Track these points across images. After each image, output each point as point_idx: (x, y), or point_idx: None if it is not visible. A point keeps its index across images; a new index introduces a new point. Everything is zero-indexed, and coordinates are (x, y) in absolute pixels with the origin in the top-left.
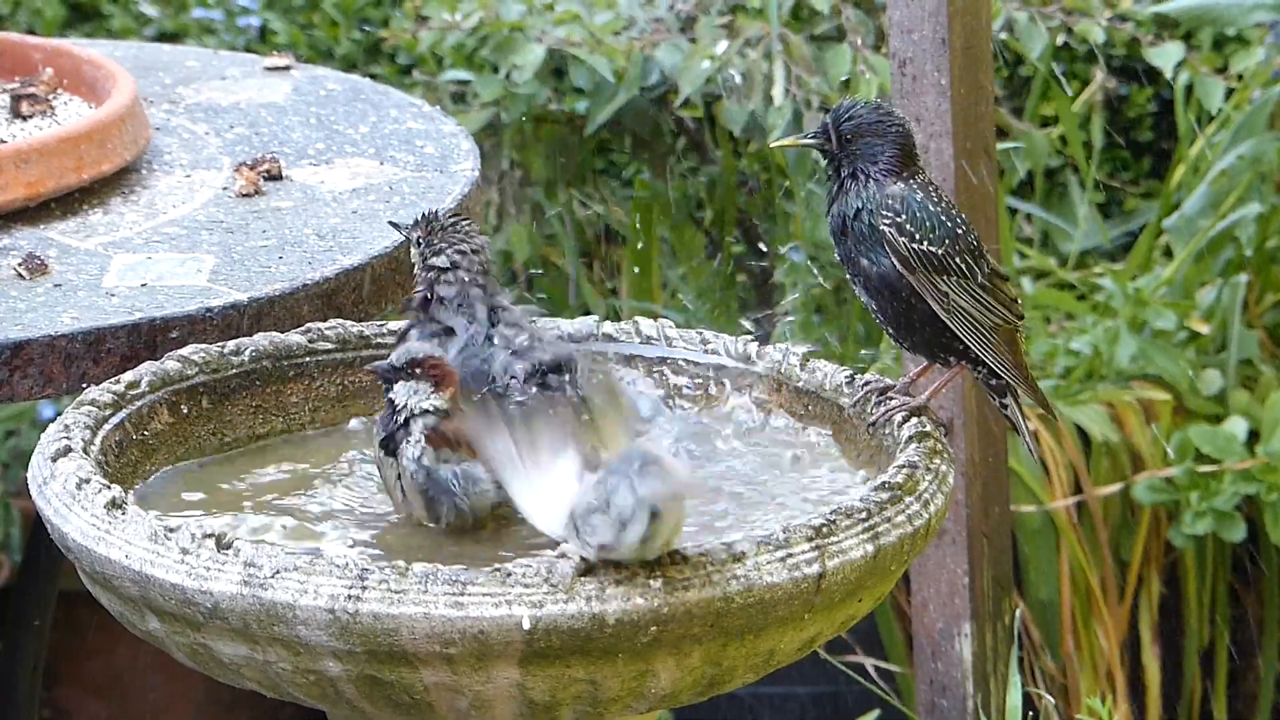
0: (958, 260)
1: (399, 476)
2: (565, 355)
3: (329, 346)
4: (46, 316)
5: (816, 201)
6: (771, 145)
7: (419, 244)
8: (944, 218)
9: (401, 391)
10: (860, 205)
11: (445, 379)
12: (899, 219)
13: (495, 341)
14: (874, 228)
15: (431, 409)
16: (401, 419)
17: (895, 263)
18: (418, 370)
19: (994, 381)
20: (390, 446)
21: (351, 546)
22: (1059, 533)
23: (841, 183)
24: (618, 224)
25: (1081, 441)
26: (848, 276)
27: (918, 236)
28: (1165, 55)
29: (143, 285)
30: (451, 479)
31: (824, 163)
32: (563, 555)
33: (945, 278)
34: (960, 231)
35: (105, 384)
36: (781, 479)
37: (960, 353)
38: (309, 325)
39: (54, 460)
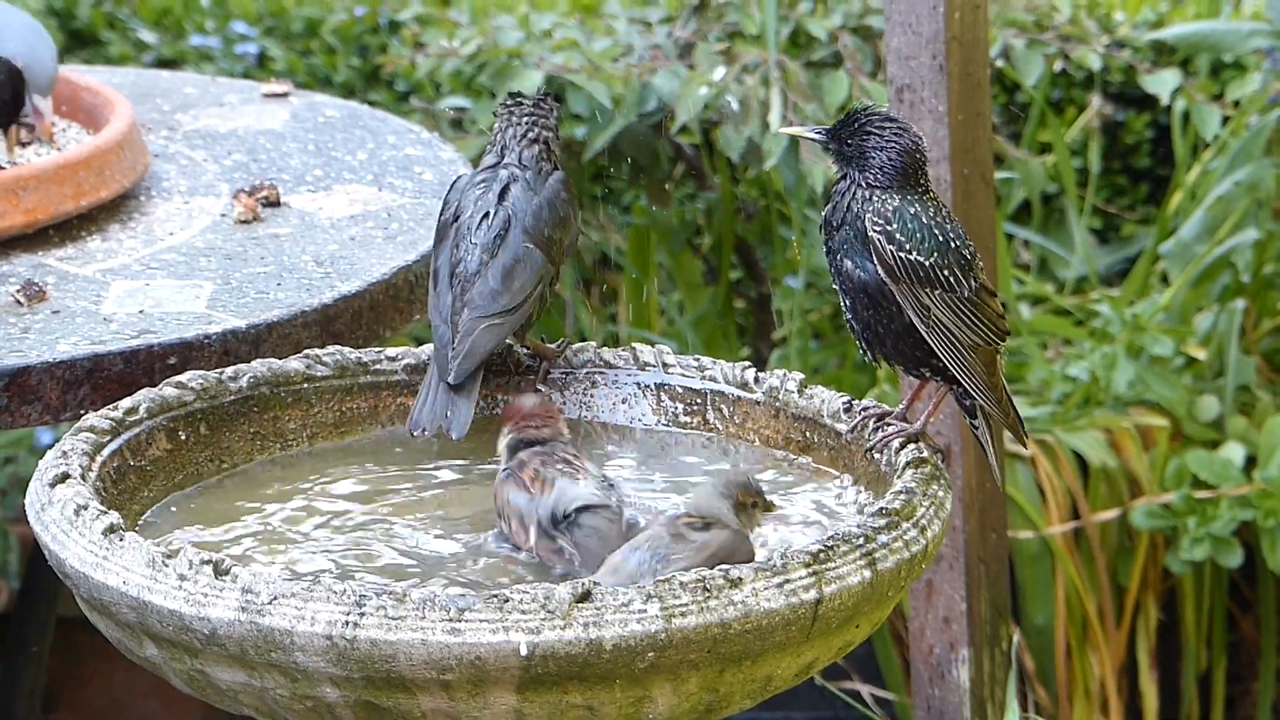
0: (945, 273)
1: None
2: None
3: (327, 373)
4: (45, 343)
5: (814, 228)
6: (779, 131)
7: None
8: (935, 229)
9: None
10: (854, 208)
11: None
12: (889, 227)
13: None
14: (863, 232)
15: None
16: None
17: (880, 270)
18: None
19: (967, 402)
20: None
21: (352, 572)
22: (1056, 558)
23: (845, 181)
24: (615, 250)
25: (1079, 467)
26: (830, 274)
27: (907, 246)
28: (1161, 82)
29: (141, 312)
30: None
31: (828, 156)
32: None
33: (929, 290)
34: (954, 244)
35: (103, 410)
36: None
37: (934, 368)
38: (307, 352)
39: (52, 486)
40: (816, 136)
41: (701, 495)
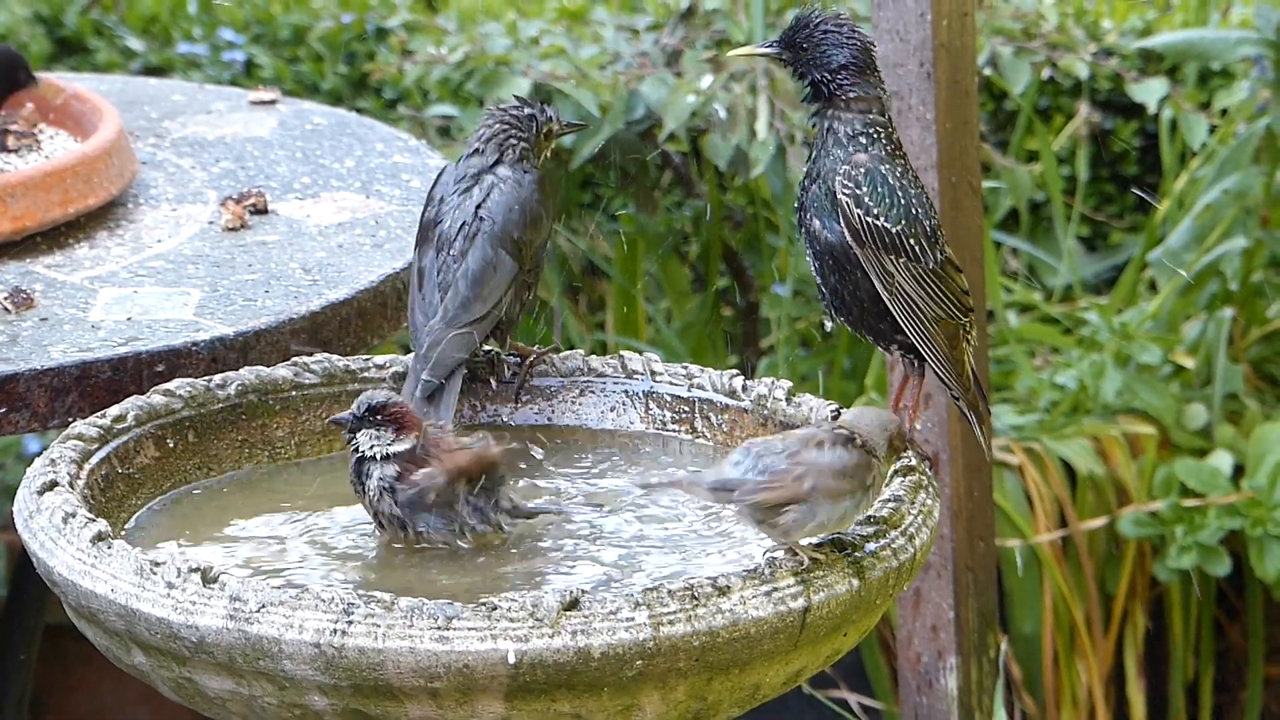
0: (911, 242)
1: (371, 509)
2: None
3: (314, 380)
4: (33, 350)
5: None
6: (729, 55)
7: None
8: (901, 196)
9: (364, 439)
10: (826, 167)
11: (406, 423)
12: (859, 190)
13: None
14: (832, 192)
15: (392, 454)
16: (364, 465)
17: (846, 233)
18: (378, 417)
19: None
20: (356, 485)
21: (338, 580)
22: (1044, 567)
23: (828, 132)
24: (603, 258)
25: (1067, 476)
26: (799, 232)
27: (875, 211)
28: (1149, 91)
29: (129, 319)
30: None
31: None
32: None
33: (894, 257)
34: (918, 213)
35: (91, 418)
36: None
37: (901, 344)
38: (295, 359)
39: (40, 494)
40: (770, 50)
41: (866, 419)
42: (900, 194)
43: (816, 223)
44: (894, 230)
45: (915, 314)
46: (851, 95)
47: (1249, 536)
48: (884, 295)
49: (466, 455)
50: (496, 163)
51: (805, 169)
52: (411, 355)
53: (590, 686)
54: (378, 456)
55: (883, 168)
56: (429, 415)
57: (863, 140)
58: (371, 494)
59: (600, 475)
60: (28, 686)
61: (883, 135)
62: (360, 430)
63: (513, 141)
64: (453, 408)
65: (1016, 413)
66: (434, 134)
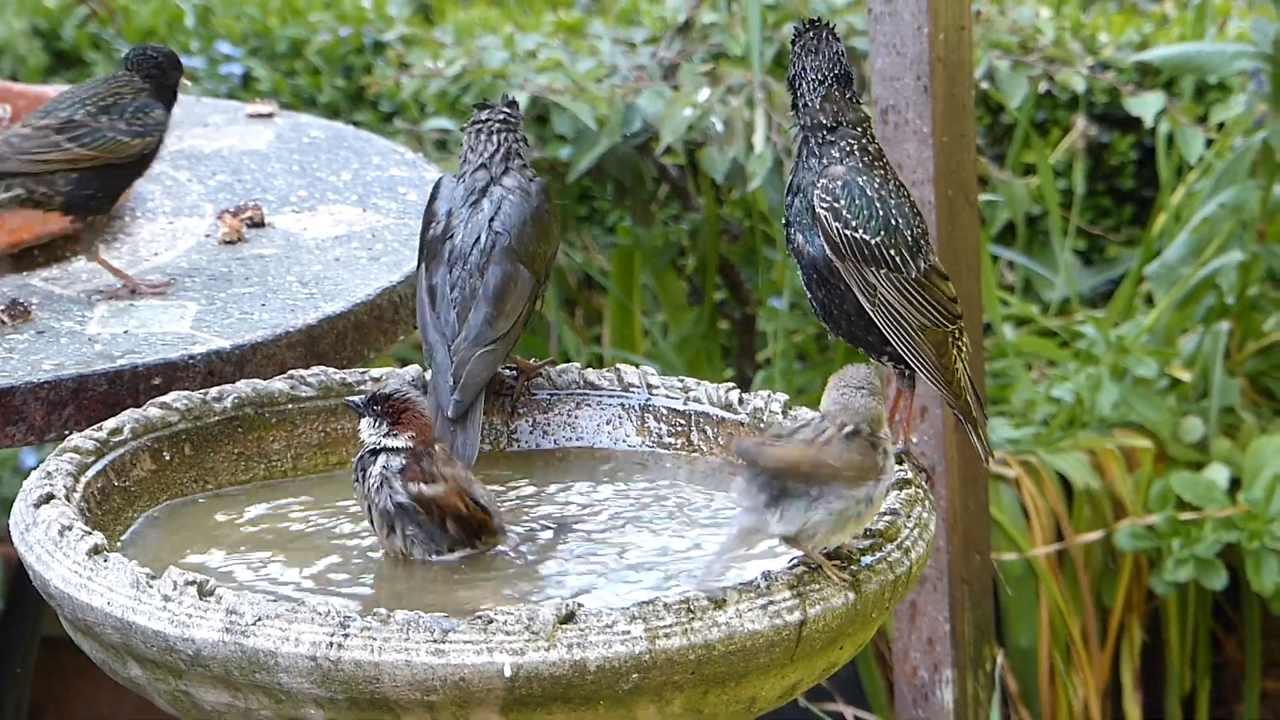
0: (891, 252)
1: (366, 503)
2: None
3: (311, 393)
4: (29, 363)
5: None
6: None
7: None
8: (880, 206)
9: (364, 425)
10: (805, 181)
11: (403, 420)
12: (836, 204)
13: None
14: (811, 207)
15: (382, 447)
16: (364, 451)
17: (826, 247)
18: (378, 408)
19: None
20: (357, 474)
21: (334, 593)
22: (1040, 580)
23: (804, 144)
24: (599, 271)
25: (1063, 489)
26: (788, 250)
27: (853, 223)
28: (1145, 105)
29: (125, 332)
30: (412, 527)
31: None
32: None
33: (875, 269)
34: (898, 223)
35: (88, 431)
36: None
37: (893, 355)
38: (291, 372)
39: (36, 507)
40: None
41: (847, 397)
42: (879, 205)
43: (800, 237)
44: (873, 242)
45: (899, 324)
46: (826, 106)
47: (1245, 550)
48: (867, 307)
49: (460, 511)
50: (503, 173)
51: (787, 183)
52: (430, 374)
53: (586, 700)
54: (377, 449)
55: (860, 179)
56: (455, 436)
57: (835, 153)
58: (371, 482)
59: (594, 492)
60: (24, 699)
61: (857, 147)
62: (364, 417)
63: (516, 148)
64: (478, 437)
65: (1013, 426)
66: (430, 147)
